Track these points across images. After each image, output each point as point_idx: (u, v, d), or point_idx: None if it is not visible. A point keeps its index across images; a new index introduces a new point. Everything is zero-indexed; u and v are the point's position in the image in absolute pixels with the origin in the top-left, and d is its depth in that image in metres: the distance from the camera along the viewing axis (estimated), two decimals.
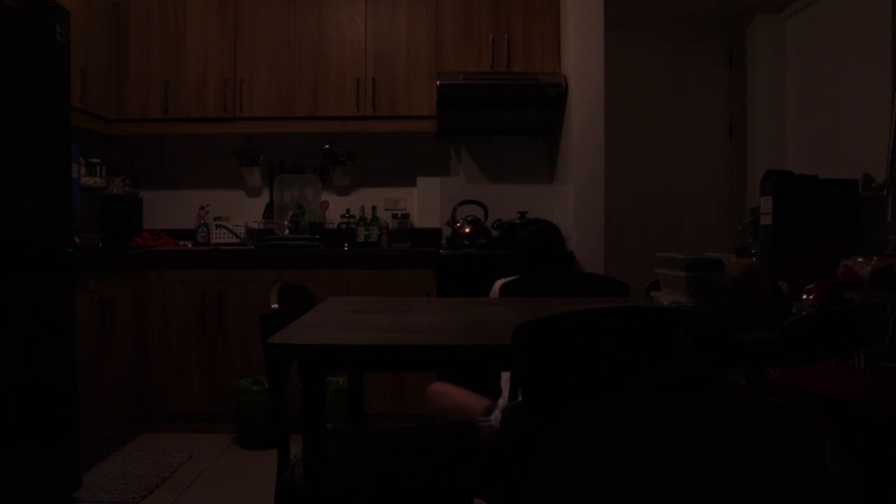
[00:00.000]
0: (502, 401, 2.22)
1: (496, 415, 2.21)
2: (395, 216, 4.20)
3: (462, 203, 4.18)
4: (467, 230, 4.00)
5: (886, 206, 3.12)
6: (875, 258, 1.86)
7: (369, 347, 1.55)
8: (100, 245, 3.49)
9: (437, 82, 3.86)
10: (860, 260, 1.87)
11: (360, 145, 4.27)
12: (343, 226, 4.14)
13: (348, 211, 4.24)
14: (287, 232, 4.18)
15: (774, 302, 1.71)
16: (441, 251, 3.79)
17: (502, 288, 2.50)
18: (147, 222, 4.37)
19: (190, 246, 4.13)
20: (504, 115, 4.14)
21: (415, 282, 3.75)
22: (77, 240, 3.08)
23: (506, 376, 2.24)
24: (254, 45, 4.06)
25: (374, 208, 4.20)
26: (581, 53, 3.77)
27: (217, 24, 4.06)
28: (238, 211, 4.39)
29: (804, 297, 1.73)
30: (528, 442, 1.31)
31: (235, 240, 4.24)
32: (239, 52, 4.06)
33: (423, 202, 4.34)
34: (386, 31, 4.06)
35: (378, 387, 3.66)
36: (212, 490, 3.02)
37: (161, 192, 4.41)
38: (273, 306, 1.83)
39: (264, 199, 4.40)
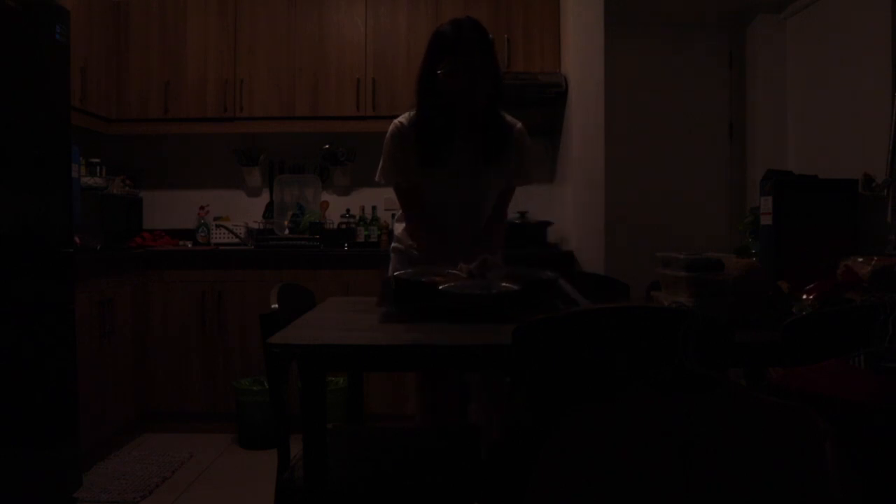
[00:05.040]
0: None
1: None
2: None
3: None
4: None
5: (886, 206, 3.12)
6: (875, 258, 1.86)
7: (369, 347, 1.56)
8: (100, 245, 3.49)
9: None
10: (860, 260, 1.88)
11: (360, 145, 4.26)
12: (343, 226, 4.14)
13: (348, 211, 4.24)
14: (287, 232, 4.17)
15: (774, 302, 1.71)
16: None
17: None
18: (147, 222, 4.37)
19: (190, 246, 4.13)
20: None
21: None
22: (77, 240, 3.08)
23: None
24: (254, 45, 4.06)
25: (374, 208, 4.20)
26: (581, 53, 3.77)
27: (217, 24, 4.06)
28: (238, 211, 4.38)
29: (804, 297, 1.73)
30: (529, 443, 1.31)
31: (235, 240, 4.24)
32: (239, 52, 4.06)
33: None
34: (386, 31, 4.06)
35: (378, 387, 3.66)
36: (212, 490, 3.02)
37: (161, 192, 4.41)
38: (273, 306, 1.83)
39: (264, 199, 4.40)
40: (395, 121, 2.35)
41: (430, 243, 2.34)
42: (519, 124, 2.39)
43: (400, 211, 2.51)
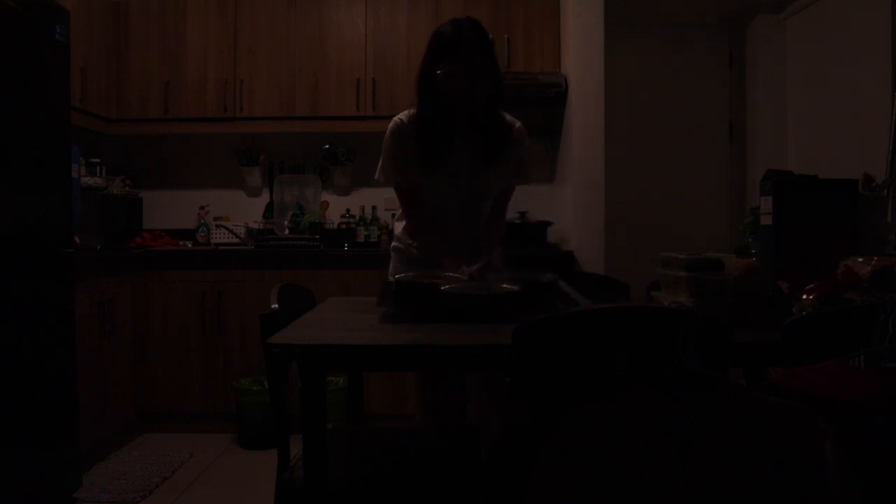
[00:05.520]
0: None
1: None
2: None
3: None
4: None
5: (886, 206, 3.12)
6: (875, 258, 1.86)
7: (369, 347, 1.56)
8: (100, 245, 3.49)
9: None
10: (860, 260, 1.88)
11: (360, 145, 4.26)
12: (343, 226, 4.14)
13: (348, 211, 4.24)
14: (287, 232, 4.17)
15: (774, 302, 1.71)
16: None
17: None
18: (147, 222, 4.37)
19: (190, 246, 4.13)
20: None
21: None
22: (77, 240, 3.08)
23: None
24: (254, 45, 4.06)
25: (374, 208, 4.20)
26: (581, 53, 3.77)
27: (217, 24, 4.06)
28: (238, 211, 4.38)
29: (804, 297, 1.73)
30: (529, 443, 1.31)
31: (235, 240, 4.24)
32: (239, 52, 4.06)
33: None
34: (386, 31, 4.06)
35: (378, 387, 3.66)
36: (212, 490, 3.02)
37: (161, 192, 4.41)
38: (273, 306, 1.83)
39: (264, 199, 4.40)
40: (395, 118, 2.34)
41: (430, 242, 2.34)
42: (518, 123, 2.38)
43: (400, 210, 2.50)
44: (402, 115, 2.33)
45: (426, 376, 2.43)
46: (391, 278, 2.18)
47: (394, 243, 2.52)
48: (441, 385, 2.41)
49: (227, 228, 4.26)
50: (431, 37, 2.24)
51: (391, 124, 2.33)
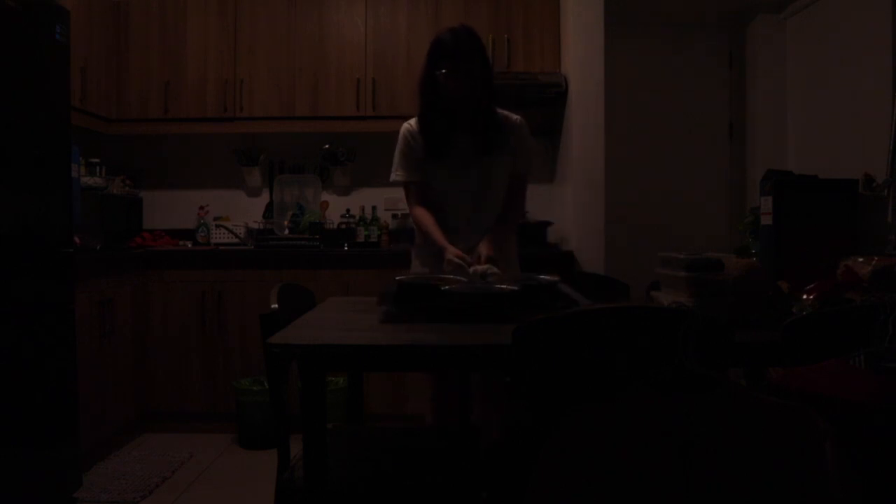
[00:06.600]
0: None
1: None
2: (395, 216, 4.20)
3: None
4: None
5: (886, 206, 3.12)
6: (875, 258, 1.87)
7: (369, 347, 1.56)
8: (100, 245, 3.49)
9: None
10: (860, 260, 1.88)
11: (360, 145, 4.27)
12: (343, 226, 4.14)
13: (348, 211, 4.24)
14: (287, 232, 4.17)
15: (774, 302, 1.71)
16: None
17: None
18: (147, 222, 4.37)
19: (190, 246, 4.13)
20: None
21: None
22: (77, 240, 3.08)
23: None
24: (254, 45, 4.06)
25: (374, 208, 4.20)
26: (581, 53, 3.77)
27: (217, 24, 4.06)
28: (238, 211, 4.38)
29: (804, 297, 1.73)
30: (529, 443, 1.31)
31: (235, 240, 4.24)
32: (239, 52, 4.06)
33: None
34: (386, 31, 4.06)
35: (378, 387, 3.66)
36: (212, 490, 3.02)
37: (161, 192, 4.41)
38: (273, 306, 1.83)
39: (264, 199, 4.40)
40: (406, 123, 2.51)
41: (437, 238, 2.40)
42: (516, 116, 2.51)
43: None
44: (412, 121, 2.51)
45: (438, 377, 2.47)
46: None
47: (416, 241, 2.59)
48: (444, 385, 2.44)
49: (227, 228, 4.26)
50: (431, 44, 2.41)
51: (402, 129, 2.51)
